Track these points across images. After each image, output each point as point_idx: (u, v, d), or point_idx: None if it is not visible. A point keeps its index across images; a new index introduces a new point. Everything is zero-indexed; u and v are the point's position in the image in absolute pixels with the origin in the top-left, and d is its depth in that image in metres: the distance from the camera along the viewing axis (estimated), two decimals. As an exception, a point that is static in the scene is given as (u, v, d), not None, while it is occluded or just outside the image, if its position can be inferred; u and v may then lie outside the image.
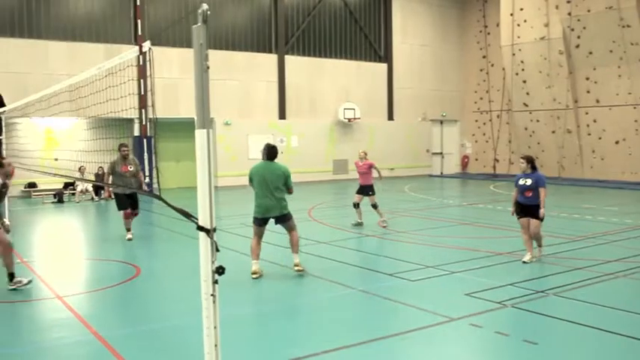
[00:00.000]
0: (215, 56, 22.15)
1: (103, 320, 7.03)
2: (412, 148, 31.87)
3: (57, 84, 10.92)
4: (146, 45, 4.33)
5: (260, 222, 9.06)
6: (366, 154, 14.61)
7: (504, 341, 6.04)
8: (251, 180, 9.13)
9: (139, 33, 6.61)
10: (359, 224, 13.83)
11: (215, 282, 3.73)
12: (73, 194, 21.92)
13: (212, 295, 3.73)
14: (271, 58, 27.61)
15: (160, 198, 4.16)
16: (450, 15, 33.24)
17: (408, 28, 31.83)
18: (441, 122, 33.53)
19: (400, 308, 7.25)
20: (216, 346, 3.76)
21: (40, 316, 7.62)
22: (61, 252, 11.65)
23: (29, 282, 8.50)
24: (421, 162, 32.40)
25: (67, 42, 23.24)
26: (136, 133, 23.88)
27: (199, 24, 3.59)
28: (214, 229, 3.67)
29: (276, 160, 9.14)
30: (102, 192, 21.41)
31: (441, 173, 33.08)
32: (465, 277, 8.69)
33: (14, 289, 8.33)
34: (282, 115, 27.89)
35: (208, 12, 3.59)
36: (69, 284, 9.12)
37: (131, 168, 12.05)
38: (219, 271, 3.68)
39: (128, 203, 12.20)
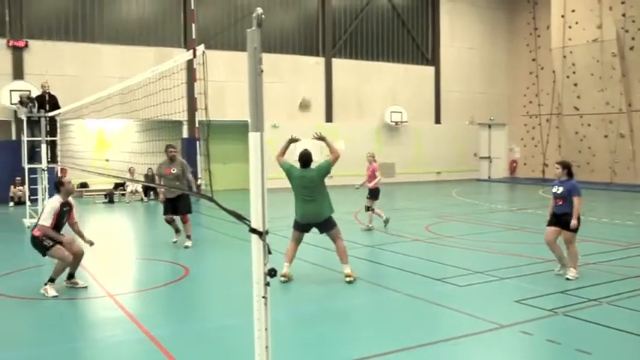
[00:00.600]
0: (263, 59, 22.40)
1: (153, 319, 7.15)
2: (459, 152, 31.54)
3: (109, 87, 11.11)
4: (200, 48, 4.38)
5: (300, 227, 8.97)
6: (373, 156, 14.41)
7: (556, 350, 5.92)
8: (289, 176, 9.03)
9: (193, 37, 6.70)
10: (369, 229, 13.81)
11: (267, 284, 3.76)
12: (123, 195, 22.37)
13: (264, 297, 3.76)
14: (318, 62, 27.71)
15: (212, 200, 4.19)
16: (499, 18, 32.81)
17: (456, 30, 31.54)
18: (489, 126, 33.08)
19: (448, 314, 7.17)
20: (267, 347, 3.79)
21: (93, 313, 7.80)
22: (112, 251, 11.88)
23: (85, 287, 8.65)
24: (468, 166, 32.02)
25: (119, 46, 23.76)
26: (185, 135, 24.29)
27: (254, 28, 3.61)
28: (267, 232, 3.69)
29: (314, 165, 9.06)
30: (151, 193, 21.81)
31: (489, 178, 32.62)
32: (514, 283, 8.54)
33: (70, 287, 8.54)
34: (329, 118, 27.94)
35: (263, 16, 3.62)
36: (120, 283, 9.31)
37: (174, 170, 11.64)
38: (271, 273, 3.70)
39: (169, 208, 11.96)
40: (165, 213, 12.02)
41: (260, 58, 3.64)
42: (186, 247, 11.67)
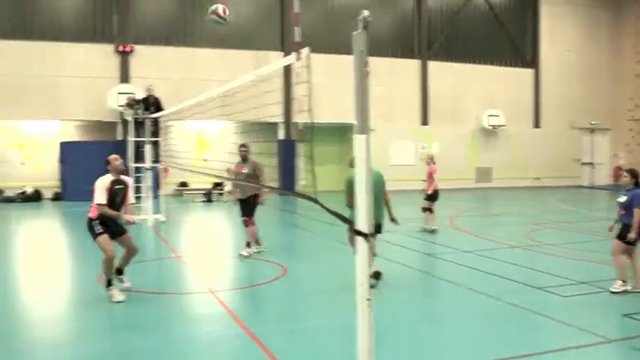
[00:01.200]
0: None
1: (252, 316, 7.28)
2: (559, 157, 30.43)
3: (207, 89, 11.39)
4: (304, 51, 4.42)
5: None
6: (432, 158, 14.05)
7: (670, 368, 5.59)
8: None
9: (296, 39, 6.78)
10: (431, 231, 13.55)
11: (371, 287, 3.76)
12: (221, 194, 22.99)
13: (368, 299, 3.76)
14: (414, 64, 27.49)
15: (315, 201, 4.23)
16: (602, 18, 31.45)
17: (556, 32, 30.48)
18: (591, 131, 31.72)
19: (552, 324, 6.90)
20: (369, 349, 3.78)
21: (192, 308, 8.02)
22: (210, 248, 12.20)
23: (129, 287, 8.46)
24: (569, 172, 30.82)
25: (218, 49, 24.48)
26: (281, 136, 24.71)
27: (360, 30, 3.62)
28: (372, 234, 3.69)
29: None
30: (247, 193, 22.37)
31: (591, 184, 31.26)
32: (621, 296, 8.13)
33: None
34: (424, 121, 27.67)
35: (369, 19, 3.61)
36: (219, 280, 9.55)
37: (245, 170, 11.19)
38: (376, 276, 3.69)
39: (244, 209, 11.43)
40: (241, 215, 11.57)
41: (366, 61, 3.65)
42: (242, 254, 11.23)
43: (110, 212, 7.89)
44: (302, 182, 7.67)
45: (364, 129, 3.67)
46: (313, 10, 25.84)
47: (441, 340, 6.44)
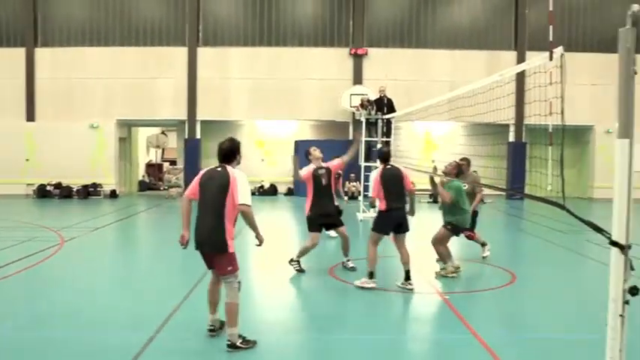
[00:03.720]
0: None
1: (483, 323, 7.12)
2: None
3: (438, 91, 11.40)
4: (558, 51, 4.23)
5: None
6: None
7: None
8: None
9: (550, 39, 6.50)
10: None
11: (626, 302, 3.49)
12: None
13: (621, 315, 3.50)
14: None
15: (564, 208, 4.04)
16: None
17: None
18: None
19: None
20: (622, 371, 3.52)
21: (420, 308, 8.08)
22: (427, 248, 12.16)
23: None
24: None
25: (450, 50, 24.39)
26: (511, 139, 23.97)
27: (628, 26, 3.38)
28: (629, 246, 3.43)
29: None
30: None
31: None
32: None
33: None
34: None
35: (639, 14, 3.36)
36: (446, 282, 9.51)
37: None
38: (633, 291, 3.43)
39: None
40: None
41: (634, 59, 3.39)
42: (484, 257, 10.96)
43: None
44: (548, 187, 7.29)
45: (628, 132, 3.41)
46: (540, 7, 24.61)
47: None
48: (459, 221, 9.46)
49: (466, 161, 10.90)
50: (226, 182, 5.84)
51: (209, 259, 6.06)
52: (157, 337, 6.21)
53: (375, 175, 8.86)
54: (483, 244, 11.00)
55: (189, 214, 6.14)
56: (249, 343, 5.91)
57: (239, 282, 6.01)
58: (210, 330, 6.20)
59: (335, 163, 9.91)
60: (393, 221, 8.54)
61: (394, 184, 8.59)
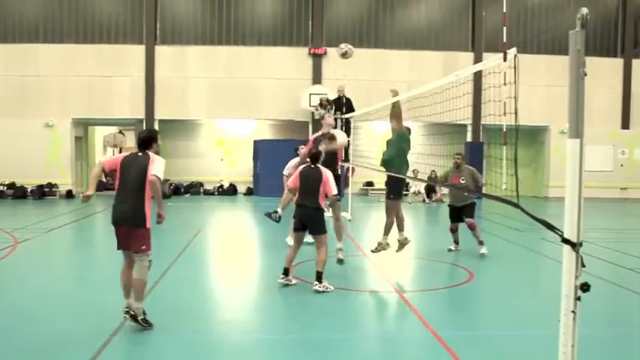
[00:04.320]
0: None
1: (439, 320, 7.20)
2: None
3: (397, 90, 11.44)
4: (512, 52, 4.31)
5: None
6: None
7: None
8: None
9: (504, 40, 6.65)
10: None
11: (577, 299, 3.57)
12: (406, 195, 23.07)
13: (573, 311, 3.58)
14: (614, 63, 25.63)
15: (518, 206, 4.11)
16: None
17: None
18: None
19: None
20: (573, 365, 3.60)
21: (378, 306, 8.14)
22: (395, 248, 12.28)
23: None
24: None
25: (407, 50, 24.63)
26: (469, 139, 24.32)
27: (577, 29, 3.47)
28: (581, 243, 3.51)
29: None
30: (432, 195, 22.29)
31: None
32: None
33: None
34: (625, 124, 25.72)
35: (588, 16, 3.45)
36: (404, 280, 9.60)
37: (463, 180, 11.44)
38: (584, 287, 3.51)
39: (455, 218, 11.76)
40: (452, 222, 11.86)
41: (583, 61, 3.48)
42: (482, 254, 11.31)
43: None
44: (503, 186, 7.40)
45: (579, 133, 3.49)
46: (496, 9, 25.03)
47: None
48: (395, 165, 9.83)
49: (461, 156, 11.82)
50: (147, 163, 6.36)
51: (126, 236, 6.39)
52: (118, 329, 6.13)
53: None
54: (481, 243, 11.34)
55: (97, 178, 6.61)
56: (147, 323, 6.37)
57: (150, 261, 6.46)
58: (127, 312, 6.37)
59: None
60: (299, 217, 8.57)
61: (309, 184, 8.51)
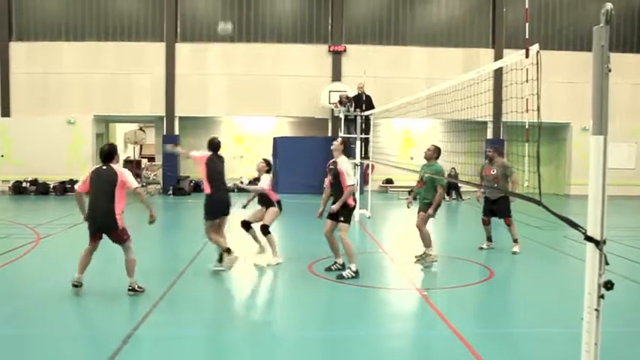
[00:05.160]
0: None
1: (460, 317, 7.17)
2: None
3: (416, 87, 11.46)
4: (534, 48, 4.27)
5: None
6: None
7: None
8: None
9: (526, 36, 6.55)
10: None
11: (601, 297, 3.54)
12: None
13: (596, 309, 3.55)
14: (637, 59, 25.27)
15: (540, 204, 4.08)
16: None
17: None
18: None
19: None
20: (596, 364, 3.57)
21: (398, 304, 8.11)
22: (416, 245, 12.25)
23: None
24: None
25: (427, 47, 24.54)
26: (489, 136, 24.17)
27: (602, 25, 3.43)
28: (604, 241, 3.49)
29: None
30: (452, 192, 22.19)
31: None
32: None
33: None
34: (646, 120, 25.46)
35: (612, 12, 3.41)
36: (424, 277, 9.57)
37: (494, 172, 11.40)
38: (608, 285, 3.48)
39: (488, 210, 11.73)
40: (484, 214, 11.82)
41: (608, 57, 3.44)
42: (514, 252, 11.28)
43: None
44: (525, 184, 7.26)
45: (602, 129, 3.46)
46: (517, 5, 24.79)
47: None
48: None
49: (493, 149, 11.81)
50: (114, 176, 7.50)
51: (103, 234, 7.61)
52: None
53: (200, 154, 9.41)
54: (515, 240, 11.39)
55: (83, 203, 7.67)
56: (140, 288, 7.73)
57: (131, 240, 7.69)
58: (75, 285, 7.59)
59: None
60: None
61: (219, 172, 9.45)
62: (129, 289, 7.65)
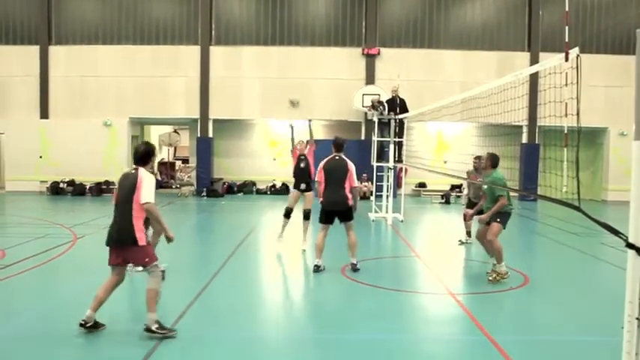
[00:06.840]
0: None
1: (494, 323, 7.11)
2: None
3: (450, 91, 11.38)
4: (574, 52, 4.21)
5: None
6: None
7: None
8: None
9: (566, 39, 6.47)
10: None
11: (642, 304, 3.47)
12: (459, 196, 22.84)
13: (637, 318, 3.48)
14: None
15: (579, 209, 4.02)
16: None
17: None
18: None
19: None
20: (637, 374, 3.50)
21: (431, 308, 8.06)
22: (449, 250, 12.16)
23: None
24: None
25: (461, 51, 24.35)
26: (524, 140, 23.88)
27: (645, 28, 3.36)
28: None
29: None
30: (485, 197, 22.01)
31: None
32: None
33: None
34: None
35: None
36: (458, 282, 9.49)
37: (479, 179, 10.91)
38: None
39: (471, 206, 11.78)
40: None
41: (653, 61, 3.37)
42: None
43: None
44: (564, 189, 7.11)
45: (645, 135, 3.39)
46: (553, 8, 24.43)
47: None
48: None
49: (479, 159, 11.43)
50: (135, 182, 6.28)
51: (121, 254, 6.29)
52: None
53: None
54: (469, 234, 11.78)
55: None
56: (164, 330, 6.18)
57: (162, 271, 6.37)
58: (81, 325, 6.24)
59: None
60: None
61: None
62: (145, 329, 6.16)
